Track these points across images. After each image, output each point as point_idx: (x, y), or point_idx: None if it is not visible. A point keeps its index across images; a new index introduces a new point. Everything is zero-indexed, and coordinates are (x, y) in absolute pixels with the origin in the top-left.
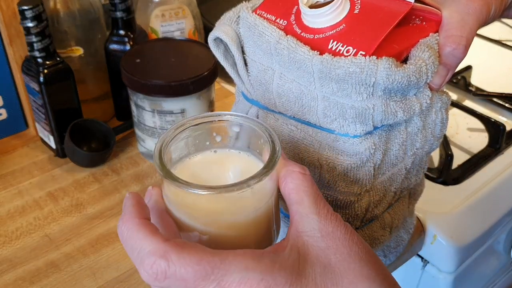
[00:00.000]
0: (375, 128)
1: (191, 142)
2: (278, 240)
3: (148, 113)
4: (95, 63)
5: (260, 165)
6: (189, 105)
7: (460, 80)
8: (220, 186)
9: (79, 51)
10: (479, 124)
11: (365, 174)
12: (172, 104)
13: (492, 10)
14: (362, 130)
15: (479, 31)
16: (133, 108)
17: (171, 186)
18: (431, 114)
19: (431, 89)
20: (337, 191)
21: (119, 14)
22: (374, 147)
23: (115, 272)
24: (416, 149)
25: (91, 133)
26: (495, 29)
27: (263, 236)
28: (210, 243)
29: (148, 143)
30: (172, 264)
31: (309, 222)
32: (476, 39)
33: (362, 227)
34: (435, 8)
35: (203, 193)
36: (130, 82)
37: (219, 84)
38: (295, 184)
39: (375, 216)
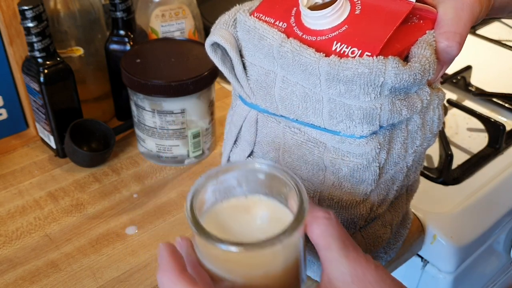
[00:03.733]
0: (380, 127)
1: (217, 189)
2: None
3: (148, 113)
4: (95, 63)
5: (286, 211)
6: (189, 105)
7: (460, 80)
8: (252, 244)
9: (79, 51)
10: (479, 124)
11: (371, 174)
12: (172, 104)
13: (484, 6)
14: (369, 130)
15: (479, 32)
16: (133, 108)
17: (203, 241)
18: (429, 111)
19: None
20: (342, 192)
21: (119, 14)
22: (379, 147)
23: (115, 272)
24: (417, 146)
25: (91, 133)
26: (495, 29)
27: (292, 283)
28: None
29: (148, 143)
30: None
31: (339, 267)
32: (476, 39)
33: (365, 227)
34: (430, 5)
35: (236, 250)
36: (130, 82)
37: (219, 84)
38: (321, 229)
39: (378, 215)
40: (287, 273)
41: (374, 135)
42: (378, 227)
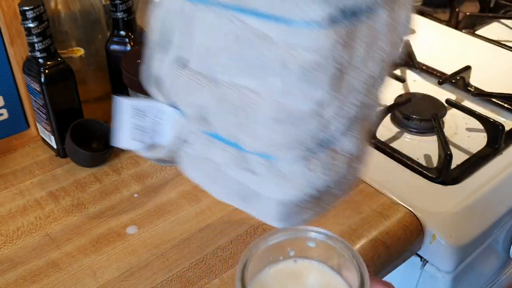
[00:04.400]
0: (339, 17)
1: (265, 256)
2: None
3: None
4: (96, 64)
5: (338, 279)
6: None
7: (459, 80)
8: None
9: (80, 51)
10: (478, 124)
11: (327, 76)
12: None
13: None
14: (323, 12)
15: (478, 32)
16: None
17: None
18: (400, 9)
19: None
20: (295, 98)
21: (120, 14)
22: (339, 41)
23: (116, 272)
24: (385, 54)
25: (92, 133)
26: (494, 30)
27: None
28: None
29: None
30: None
31: None
32: (475, 39)
33: (316, 153)
34: None
35: None
36: (131, 83)
37: None
38: None
39: (333, 137)
40: None
41: (334, 24)
42: (333, 153)
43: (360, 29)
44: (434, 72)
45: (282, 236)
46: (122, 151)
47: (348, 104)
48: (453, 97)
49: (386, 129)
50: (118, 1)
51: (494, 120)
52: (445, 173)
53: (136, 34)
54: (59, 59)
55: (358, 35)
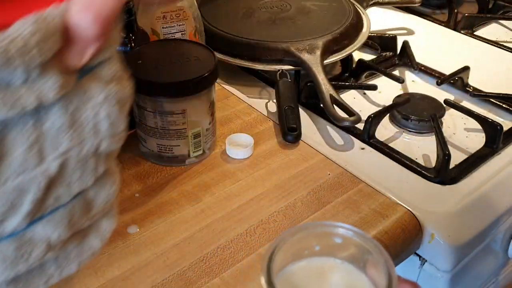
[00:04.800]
0: None
1: (291, 250)
2: None
3: (150, 113)
4: None
5: (363, 278)
6: (190, 105)
7: (458, 81)
8: None
9: None
10: (476, 124)
11: None
12: (173, 105)
13: None
14: None
15: (476, 33)
16: (135, 108)
17: None
18: (86, 109)
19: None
20: None
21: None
22: None
23: (116, 271)
24: (64, 151)
25: None
26: (492, 30)
27: None
28: None
29: (150, 143)
30: None
31: None
32: (473, 40)
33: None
34: None
35: None
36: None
37: (219, 85)
38: None
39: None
40: None
41: None
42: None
43: (13, 134)
44: (433, 73)
45: (309, 231)
46: (123, 151)
47: (14, 202)
48: (451, 97)
49: (384, 129)
50: None
51: (492, 120)
52: (443, 173)
53: (136, 35)
54: None
55: (9, 140)
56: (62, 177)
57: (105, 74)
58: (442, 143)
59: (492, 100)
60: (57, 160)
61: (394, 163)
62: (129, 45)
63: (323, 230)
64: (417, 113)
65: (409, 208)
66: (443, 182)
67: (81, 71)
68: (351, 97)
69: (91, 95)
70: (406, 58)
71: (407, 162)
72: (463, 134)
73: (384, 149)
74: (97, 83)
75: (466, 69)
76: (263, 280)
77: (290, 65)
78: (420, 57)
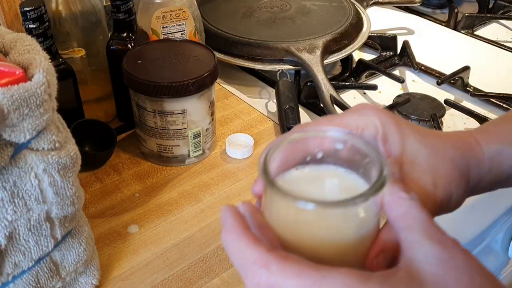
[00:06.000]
0: None
1: (291, 157)
2: None
3: (150, 113)
4: (97, 64)
5: (363, 185)
6: (190, 105)
7: (458, 81)
8: (326, 202)
9: (81, 52)
10: (476, 124)
11: None
12: (173, 105)
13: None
14: None
15: (477, 32)
16: (135, 108)
17: (274, 198)
18: (27, 181)
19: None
20: None
21: (120, 15)
22: None
23: (116, 271)
24: (9, 221)
25: (93, 134)
26: (492, 30)
27: (361, 263)
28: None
29: (150, 143)
30: (272, 275)
31: (422, 248)
32: (474, 40)
33: None
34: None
35: (311, 207)
36: (132, 83)
37: (219, 85)
38: (402, 210)
39: None
40: (357, 248)
41: None
42: None
43: None
44: (433, 73)
45: (308, 135)
46: (123, 151)
47: None
48: (452, 97)
49: None
50: (119, 2)
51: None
52: None
53: (136, 35)
54: (60, 59)
55: None
56: (15, 245)
57: (42, 146)
58: None
59: (492, 100)
60: (4, 231)
61: None
62: (129, 45)
63: (322, 135)
64: (417, 113)
65: None
66: None
67: (17, 146)
68: (351, 97)
69: (30, 167)
70: (406, 58)
71: None
72: None
73: None
74: (35, 155)
75: (466, 69)
76: (263, 177)
77: (290, 65)
78: (420, 57)
